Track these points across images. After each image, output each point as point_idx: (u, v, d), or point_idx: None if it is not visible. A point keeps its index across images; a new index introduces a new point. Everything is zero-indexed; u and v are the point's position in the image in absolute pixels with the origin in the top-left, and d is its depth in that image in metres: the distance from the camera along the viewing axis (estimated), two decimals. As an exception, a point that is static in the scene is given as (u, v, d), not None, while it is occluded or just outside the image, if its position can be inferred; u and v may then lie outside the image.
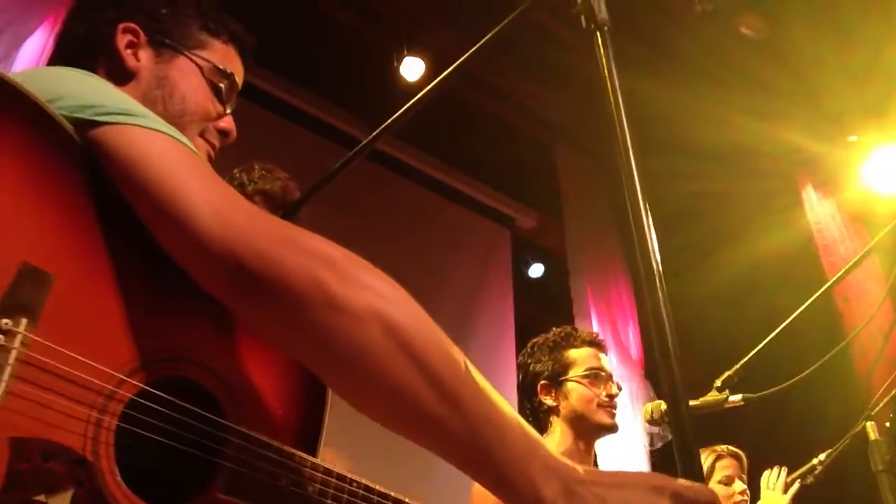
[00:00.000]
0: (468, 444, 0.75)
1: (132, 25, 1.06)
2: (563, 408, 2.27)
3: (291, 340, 0.78)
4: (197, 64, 1.10)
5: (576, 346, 2.33)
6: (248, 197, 2.29)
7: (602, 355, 2.34)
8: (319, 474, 0.93)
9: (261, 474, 0.87)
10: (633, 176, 0.98)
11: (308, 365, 0.80)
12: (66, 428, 0.72)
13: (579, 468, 0.78)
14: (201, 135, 1.10)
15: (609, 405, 2.23)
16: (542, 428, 2.32)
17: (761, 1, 4.20)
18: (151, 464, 0.83)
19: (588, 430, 2.24)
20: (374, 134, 1.39)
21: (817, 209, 4.73)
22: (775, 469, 2.32)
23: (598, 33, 1.07)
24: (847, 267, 1.69)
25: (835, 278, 1.72)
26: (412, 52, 4.61)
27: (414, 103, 1.32)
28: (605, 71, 1.05)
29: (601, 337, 2.45)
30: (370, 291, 0.75)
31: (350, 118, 5.00)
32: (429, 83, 1.32)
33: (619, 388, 2.31)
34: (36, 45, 3.53)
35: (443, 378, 0.75)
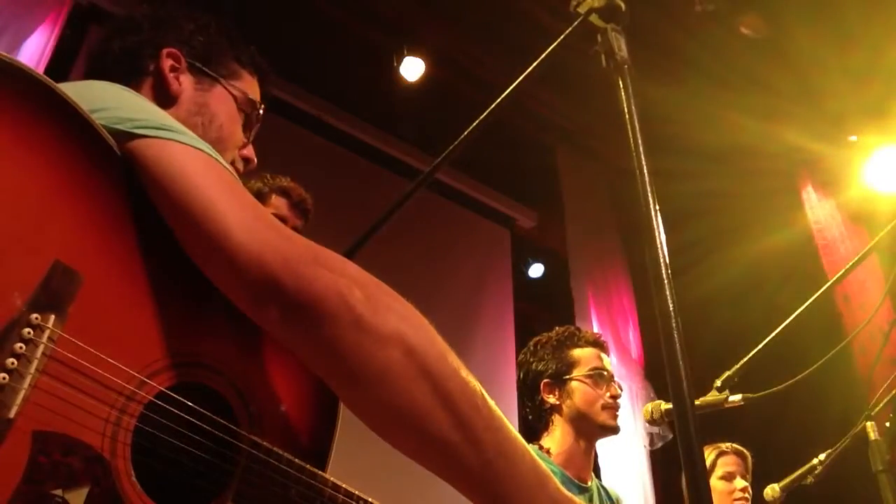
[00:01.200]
0: (478, 472, 0.78)
1: (175, 51, 1.10)
2: (567, 407, 2.27)
3: (316, 356, 0.80)
4: (232, 94, 1.14)
5: (580, 346, 2.33)
6: (267, 195, 2.31)
7: (604, 356, 2.35)
8: (328, 489, 0.94)
9: (271, 484, 0.88)
10: (647, 197, 0.99)
11: (329, 381, 0.81)
12: (86, 425, 0.74)
13: None
14: (230, 162, 1.13)
15: (612, 406, 2.24)
16: (544, 426, 2.33)
17: (761, 1, 4.20)
18: (166, 467, 0.83)
19: (590, 430, 2.24)
20: (432, 166, 1.41)
21: (817, 209, 4.73)
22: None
23: (619, 73, 1.08)
24: (847, 267, 1.68)
25: (835, 278, 1.72)
26: (412, 52, 4.61)
27: (470, 132, 1.34)
28: (626, 110, 1.05)
29: (603, 338, 2.46)
30: (395, 316, 0.78)
31: (350, 118, 5.00)
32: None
33: (621, 389, 2.32)
34: (36, 44, 3.53)
35: (459, 405, 0.77)
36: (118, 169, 0.81)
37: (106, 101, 0.85)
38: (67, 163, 0.77)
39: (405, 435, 0.79)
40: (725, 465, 2.90)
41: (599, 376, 2.26)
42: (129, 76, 1.07)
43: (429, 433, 0.77)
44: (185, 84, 1.10)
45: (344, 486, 0.97)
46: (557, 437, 2.25)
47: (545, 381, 2.31)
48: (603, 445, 4.72)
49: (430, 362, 0.77)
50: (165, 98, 1.08)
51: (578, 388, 2.26)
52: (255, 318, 0.82)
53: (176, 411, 0.81)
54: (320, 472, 0.94)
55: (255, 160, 1.19)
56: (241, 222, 0.78)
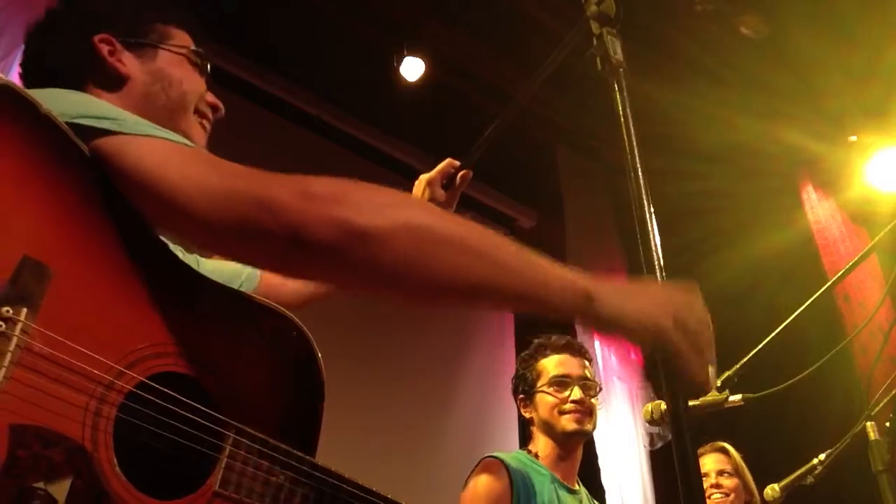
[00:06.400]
0: (512, 284, 0.85)
1: (106, 35, 1.11)
2: (536, 419, 2.29)
3: (346, 280, 0.85)
4: (174, 52, 1.17)
5: (546, 356, 2.34)
6: None
7: (574, 359, 2.32)
8: (317, 473, 0.94)
9: (257, 469, 0.88)
10: (642, 198, 1.00)
11: (369, 294, 0.86)
12: (65, 415, 0.74)
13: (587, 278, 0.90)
14: (196, 110, 1.18)
15: (572, 410, 2.21)
16: (529, 436, 2.35)
17: (761, 1, 4.20)
18: (150, 456, 0.83)
19: (558, 437, 2.23)
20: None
21: (817, 209, 4.73)
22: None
23: (615, 76, 1.09)
24: (847, 267, 1.68)
25: (835, 278, 1.72)
26: (412, 52, 4.61)
27: (488, 135, 1.38)
28: (621, 112, 1.07)
29: (577, 341, 2.42)
30: (386, 209, 0.81)
31: (350, 118, 5.00)
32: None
33: (594, 391, 2.28)
34: (36, 45, 3.53)
35: (474, 244, 0.85)
36: (86, 167, 0.81)
37: (62, 103, 0.85)
38: (34, 162, 0.77)
39: (456, 297, 0.85)
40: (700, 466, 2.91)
41: (561, 382, 2.25)
42: (78, 76, 1.07)
43: (472, 282, 0.83)
44: (128, 63, 1.11)
45: (334, 469, 0.97)
46: (542, 446, 2.27)
47: (519, 396, 2.35)
48: (603, 446, 4.72)
49: (436, 228, 0.83)
50: (116, 83, 1.09)
51: (542, 399, 2.27)
52: (278, 273, 0.88)
53: (157, 400, 0.81)
54: (308, 457, 0.94)
55: (222, 106, 1.23)
56: (203, 196, 0.79)
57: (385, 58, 4.65)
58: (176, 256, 0.87)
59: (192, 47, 1.20)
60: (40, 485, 0.71)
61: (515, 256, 0.87)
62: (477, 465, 2.18)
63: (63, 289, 0.76)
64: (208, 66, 1.22)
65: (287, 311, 0.97)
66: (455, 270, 0.82)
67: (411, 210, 0.83)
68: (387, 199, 0.83)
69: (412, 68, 4.62)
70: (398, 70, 4.61)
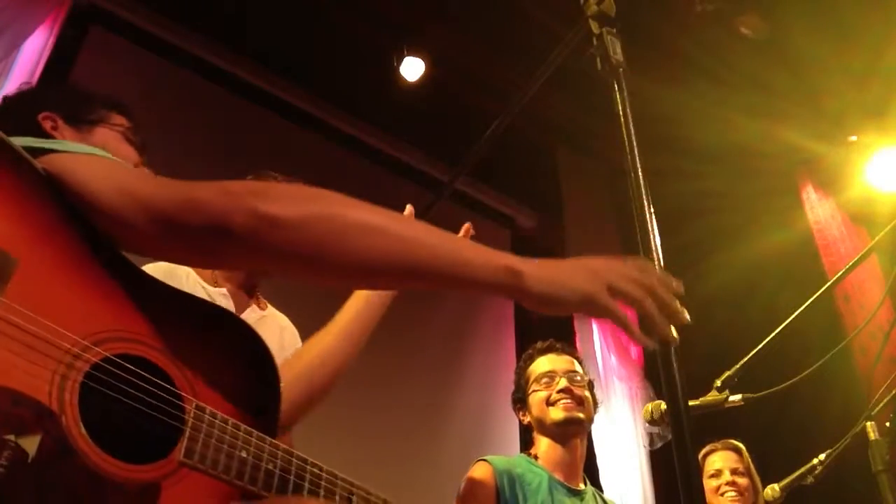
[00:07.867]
0: (432, 263, 0.91)
1: (49, 114, 1.29)
2: (532, 420, 2.33)
3: (266, 264, 0.92)
4: (111, 130, 1.35)
5: (532, 361, 2.40)
6: None
7: (558, 357, 2.36)
8: (280, 452, 0.99)
9: (221, 443, 0.93)
10: (642, 198, 1.00)
11: (292, 276, 0.92)
12: (33, 377, 0.80)
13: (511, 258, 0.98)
14: None
15: (558, 399, 2.25)
16: (531, 441, 2.38)
17: (761, 1, 4.20)
18: (120, 435, 0.87)
19: (554, 432, 2.26)
20: (452, 174, 1.48)
21: (817, 209, 4.73)
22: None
23: (615, 76, 1.10)
24: (847, 267, 1.68)
25: (835, 278, 1.72)
26: (412, 52, 4.61)
27: (486, 138, 1.42)
28: (621, 111, 1.07)
29: (561, 342, 2.46)
30: (299, 200, 0.88)
31: (350, 118, 5.00)
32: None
33: (583, 382, 2.30)
34: (36, 45, 3.53)
35: (388, 227, 0.91)
36: (45, 181, 0.89)
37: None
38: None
39: (375, 276, 0.92)
40: (711, 464, 2.94)
41: (548, 379, 2.30)
42: None
43: (386, 261, 0.89)
44: (68, 136, 1.28)
45: (296, 452, 1.01)
46: (542, 448, 2.30)
47: (516, 406, 2.40)
48: (603, 446, 4.72)
49: (348, 215, 0.89)
50: None
51: (533, 398, 2.32)
52: (203, 265, 0.88)
53: (122, 374, 0.87)
54: (270, 439, 0.99)
55: None
56: (139, 201, 0.88)
57: (385, 58, 4.65)
58: (125, 258, 0.94)
59: (129, 125, 1.38)
60: (11, 437, 0.76)
61: (430, 234, 0.93)
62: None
63: (29, 276, 0.83)
64: (140, 143, 1.39)
65: (228, 310, 1.04)
66: (368, 251, 0.88)
67: (325, 201, 0.90)
68: (302, 193, 0.90)
69: (412, 68, 4.62)
70: (398, 70, 4.61)
